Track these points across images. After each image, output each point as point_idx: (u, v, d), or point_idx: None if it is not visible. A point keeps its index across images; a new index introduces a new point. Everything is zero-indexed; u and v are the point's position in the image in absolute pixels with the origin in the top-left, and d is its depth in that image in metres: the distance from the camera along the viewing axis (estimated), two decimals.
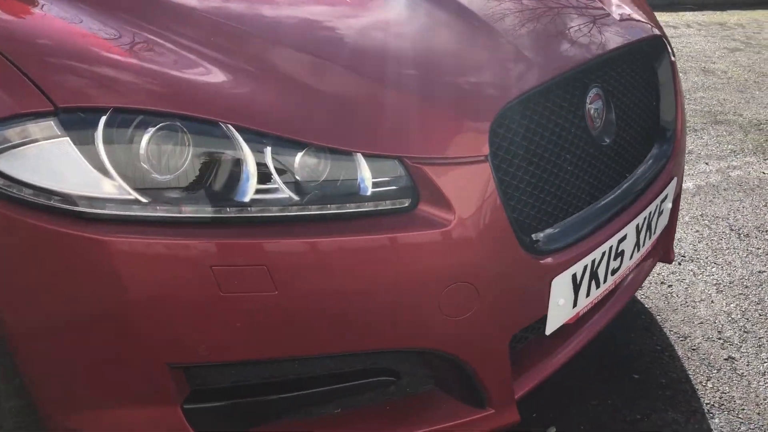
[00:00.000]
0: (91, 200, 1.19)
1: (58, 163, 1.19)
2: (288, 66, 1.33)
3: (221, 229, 1.21)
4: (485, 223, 1.32)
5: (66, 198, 1.19)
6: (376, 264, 1.26)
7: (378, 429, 1.42)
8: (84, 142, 1.19)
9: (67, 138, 1.18)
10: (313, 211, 1.25)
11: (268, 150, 1.23)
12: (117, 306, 1.20)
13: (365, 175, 1.27)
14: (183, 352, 1.24)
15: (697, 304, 2.33)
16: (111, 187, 1.19)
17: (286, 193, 1.23)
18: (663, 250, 2.03)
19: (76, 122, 1.19)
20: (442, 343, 1.36)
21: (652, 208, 1.75)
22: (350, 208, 1.27)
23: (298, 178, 1.25)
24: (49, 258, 1.20)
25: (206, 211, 1.21)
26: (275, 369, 1.33)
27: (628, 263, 1.72)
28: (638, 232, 1.71)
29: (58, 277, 1.21)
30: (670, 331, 2.20)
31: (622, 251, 1.67)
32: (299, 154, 1.24)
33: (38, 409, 1.34)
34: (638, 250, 1.75)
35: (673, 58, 1.93)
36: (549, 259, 1.45)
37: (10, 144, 1.19)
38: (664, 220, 1.89)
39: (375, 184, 1.28)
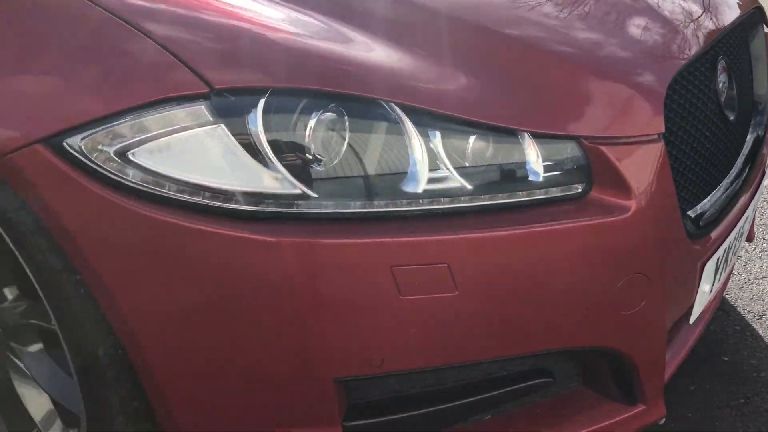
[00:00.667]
0: (251, 196, 1.02)
1: (210, 154, 1.02)
2: (455, 41, 1.18)
3: (398, 224, 1.06)
4: (660, 208, 1.22)
5: (221, 194, 1.02)
6: (554, 258, 1.14)
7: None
8: (240, 130, 1.02)
9: (221, 125, 1.01)
10: (484, 201, 1.12)
11: (438, 134, 1.09)
12: (281, 317, 1.05)
13: (535, 158, 1.14)
14: (353, 364, 1.09)
15: (761, 281, 2.30)
16: (273, 181, 1.02)
17: (457, 181, 1.10)
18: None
19: (231, 106, 1.02)
20: (610, 339, 1.25)
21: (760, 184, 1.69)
22: (521, 197, 1.14)
23: (466, 163, 1.11)
24: (197, 263, 1.03)
25: (380, 205, 1.06)
26: (438, 377, 1.20)
27: (741, 242, 1.66)
28: (753, 209, 1.65)
29: (208, 284, 1.04)
30: (744, 310, 2.16)
31: (743, 231, 1.60)
32: (469, 138, 1.11)
33: None
34: (746, 227, 1.69)
35: (766, 30, 1.86)
36: (702, 244, 1.36)
37: (152, 134, 1.02)
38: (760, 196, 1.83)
39: (546, 168, 1.15)
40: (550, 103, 1.17)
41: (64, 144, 1.03)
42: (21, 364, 1.43)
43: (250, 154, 1.02)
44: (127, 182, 1.02)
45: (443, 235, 1.07)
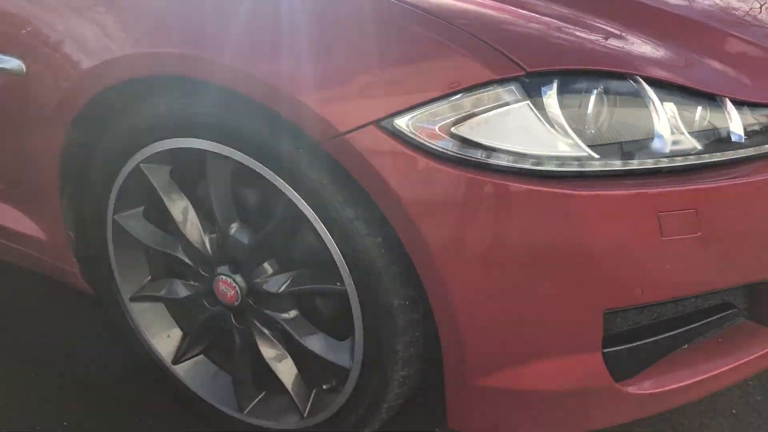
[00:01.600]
0: (553, 159, 1.26)
1: (520, 126, 1.25)
2: (677, 29, 1.46)
3: (658, 178, 1.31)
4: None
5: (531, 158, 1.25)
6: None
7: (720, 359, 1.57)
8: (542, 105, 1.25)
9: (528, 102, 1.25)
10: (711, 158, 1.38)
11: (673, 103, 1.35)
12: (573, 254, 1.28)
13: (739, 122, 1.40)
14: (621, 296, 1.33)
15: None
16: (568, 146, 1.26)
17: (690, 142, 1.36)
18: None
19: (535, 86, 1.25)
20: None
21: None
22: (736, 154, 1.41)
23: (693, 128, 1.37)
24: (510, 216, 1.26)
25: (644, 163, 1.31)
26: (667, 309, 1.45)
27: None
28: None
29: (517, 232, 1.26)
30: None
31: None
32: (695, 106, 1.37)
33: (449, 373, 1.38)
34: None
35: None
36: None
37: (471, 111, 1.24)
38: None
39: (747, 130, 1.42)
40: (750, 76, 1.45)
41: (394, 123, 1.24)
42: (266, 331, 1.60)
43: (550, 126, 1.25)
44: (449, 153, 1.24)
45: (692, 185, 1.33)
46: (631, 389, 1.42)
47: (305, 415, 1.63)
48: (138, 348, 1.84)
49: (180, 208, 1.62)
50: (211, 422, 1.78)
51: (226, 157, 1.47)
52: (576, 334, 1.36)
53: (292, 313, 1.59)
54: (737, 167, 1.42)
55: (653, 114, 1.31)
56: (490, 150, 1.24)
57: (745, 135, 1.41)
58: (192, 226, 1.62)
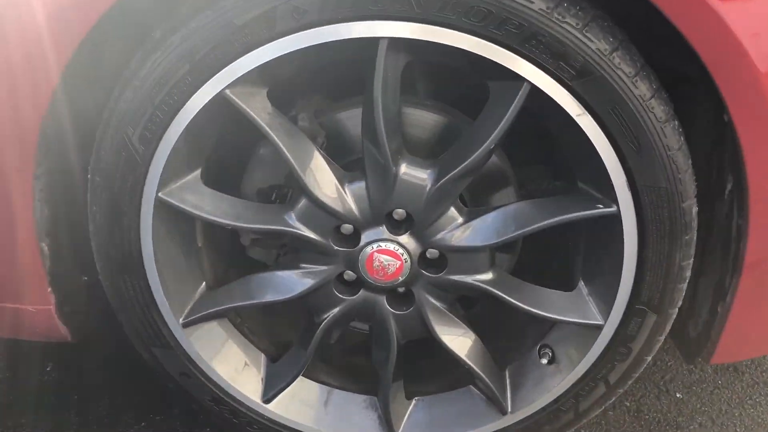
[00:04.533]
0: None
1: None
2: None
3: None
4: None
5: None
6: None
7: None
8: None
9: None
10: None
11: None
12: None
13: None
14: None
15: None
16: None
17: None
18: None
19: None
20: None
21: None
22: None
23: None
24: None
25: None
26: None
27: None
28: None
29: None
30: None
31: None
32: None
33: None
34: None
35: None
36: None
37: None
38: None
39: None
40: None
41: None
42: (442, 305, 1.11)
43: None
44: None
45: None
46: None
47: (509, 409, 1.17)
48: (200, 393, 1.19)
49: (298, 149, 1.03)
50: None
51: (399, 48, 0.94)
52: None
53: (491, 273, 1.10)
54: None
55: None
56: None
57: None
58: (322, 175, 1.04)
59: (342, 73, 1.08)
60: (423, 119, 1.11)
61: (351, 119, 1.12)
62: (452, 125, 1.12)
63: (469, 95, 1.08)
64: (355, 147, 1.12)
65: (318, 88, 1.15)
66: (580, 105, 0.93)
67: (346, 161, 1.12)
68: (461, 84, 1.08)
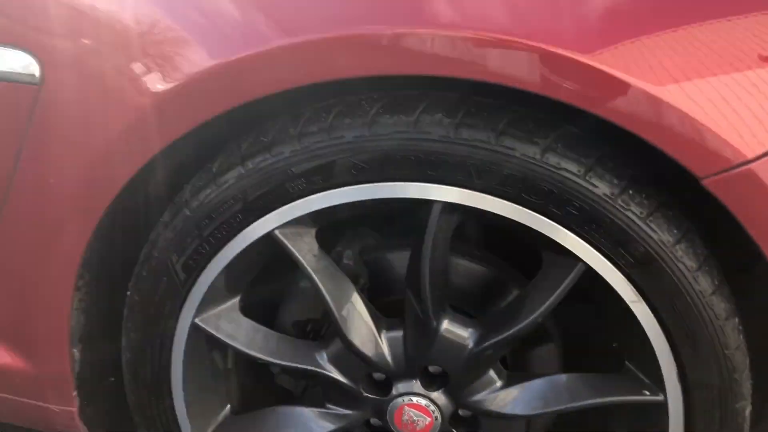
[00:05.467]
0: None
1: None
2: None
3: None
4: None
5: None
6: None
7: None
8: None
9: None
10: None
11: None
12: None
13: None
14: None
15: None
16: None
17: None
18: None
19: None
20: None
21: None
22: None
23: None
24: None
25: None
26: None
27: None
28: None
29: None
30: None
31: None
32: None
33: None
34: None
35: None
36: None
37: None
38: None
39: None
40: None
41: None
42: None
43: None
44: None
45: None
46: None
47: None
48: None
49: (338, 292, 1.00)
50: None
51: (453, 210, 0.92)
52: None
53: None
54: None
55: None
56: None
57: None
58: (359, 321, 1.01)
59: (393, 212, 1.07)
60: (471, 271, 1.09)
61: (398, 260, 1.10)
62: (501, 280, 1.08)
63: (521, 251, 1.05)
64: (398, 288, 1.10)
65: (366, 223, 1.14)
66: (636, 292, 0.90)
67: (389, 300, 1.10)
68: (514, 243, 1.05)
